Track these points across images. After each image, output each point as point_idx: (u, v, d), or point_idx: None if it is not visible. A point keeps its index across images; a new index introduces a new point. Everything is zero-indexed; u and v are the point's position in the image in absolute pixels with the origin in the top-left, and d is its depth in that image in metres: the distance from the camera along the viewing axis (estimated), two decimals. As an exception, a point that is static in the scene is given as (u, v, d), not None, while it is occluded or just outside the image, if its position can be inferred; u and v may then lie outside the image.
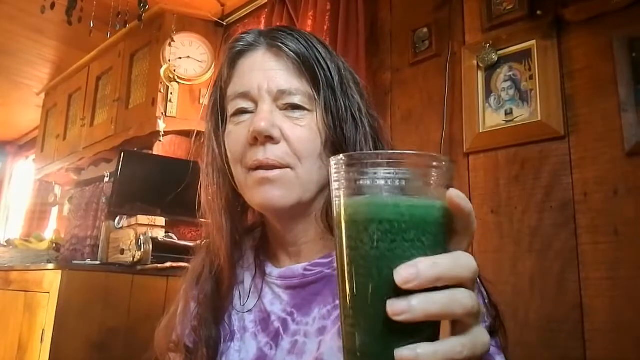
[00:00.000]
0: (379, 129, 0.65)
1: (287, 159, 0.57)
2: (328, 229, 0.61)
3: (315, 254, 0.63)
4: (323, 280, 0.61)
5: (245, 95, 0.60)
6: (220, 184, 0.64)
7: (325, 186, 0.61)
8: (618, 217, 1.17)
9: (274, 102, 0.59)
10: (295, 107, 0.59)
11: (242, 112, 0.60)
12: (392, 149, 0.65)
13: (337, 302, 0.59)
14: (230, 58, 0.63)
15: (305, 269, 0.62)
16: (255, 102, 0.60)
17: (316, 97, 0.60)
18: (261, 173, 0.57)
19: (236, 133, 0.60)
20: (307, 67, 0.60)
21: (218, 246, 0.64)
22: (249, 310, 0.65)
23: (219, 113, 0.64)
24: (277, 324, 0.62)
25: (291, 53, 0.60)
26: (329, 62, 0.61)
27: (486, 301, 0.56)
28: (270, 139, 0.57)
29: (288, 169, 0.57)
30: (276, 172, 0.57)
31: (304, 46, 0.60)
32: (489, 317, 0.56)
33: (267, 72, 0.60)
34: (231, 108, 0.61)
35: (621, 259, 1.15)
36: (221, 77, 0.64)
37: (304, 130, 0.58)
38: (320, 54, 0.61)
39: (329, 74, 0.60)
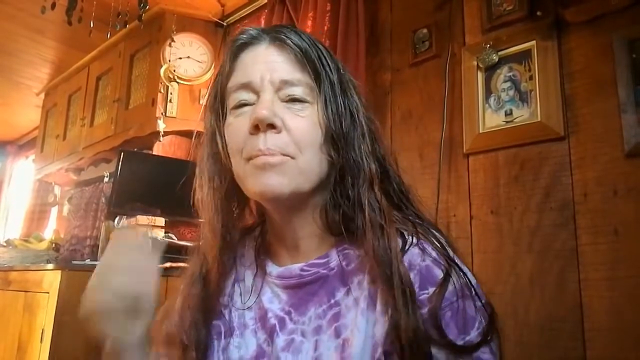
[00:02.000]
0: (377, 130, 0.66)
1: (288, 149, 0.58)
2: (324, 227, 0.62)
3: (312, 252, 0.63)
4: (319, 281, 0.62)
5: (246, 86, 0.60)
6: (220, 179, 0.64)
7: (324, 181, 0.61)
8: (618, 217, 1.17)
9: (276, 92, 0.60)
10: (296, 99, 0.60)
11: (243, 104, 0.61)
12: (389, 151, 0.66)
13: (332, 301, 0.60)
14: (232, 51, 0.64)
15: (302, 269, 0.62)
16: (257, 94, 0.60)
17: (317, 90, 0.61)
18: (263, 158, 0.57)
19: (237, 124, 0.60)
20: (308, 61, 0.61)
21: (209, 246, 0.64)
22: (249, 308, 0.66)
23: (219, 107, 0.64)
24: (273, 321, 0.63)
25: (294, 46, 0.60)
26: (329, 60, 0.62)
27: (477, 304, 0.55)
28: (271, 127, 0.57)
29: (288, 157, 0.58)
30: (277, 157, 0.57)
31: (306, 42, 0.61)
32: (483, 320, 0.55)
33: (269, 64, 0.60)
34: (232, 100, 0.62)
35: (621, 259, 1.15)
36: (222, 71, 0.65)
37: (304, 121, 0.59)
38: (321, 51, 0.62)
39: (329, 70, 0.62)
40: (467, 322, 0.54)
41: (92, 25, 1.81)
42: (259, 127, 0.57)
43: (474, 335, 0.54)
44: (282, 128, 0.58)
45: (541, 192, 1.31)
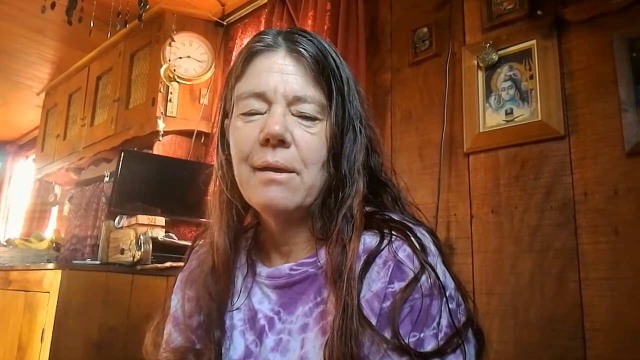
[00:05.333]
0: (375, 140, 0.67)
1: (294, 164, 0.58)
2: (313, 233, 0.62)
3: (303, 253, 0.64)
4: (308, 280, 0.62)
5: (259, 96, 0.60)
6: (230, 179, 0.65)
7: (322, 192, 0.62)
8: (618, 217, 1.17)
9: (288, 106, 0.60)
10: (307, 116, 0.60)
11: (253, 113, 0.61)
12: (383, 159, 0.67)
13: (319, 299, 0.60)
14: (247, 56, 0.63)
15: (291, 269, 0.63)
16: (269, 103, 0.60)
17: (328, 106, 0.61)
18: (269, 174, 0.58)
19: (246, 131, 0.61)
20: (323, 76, 0.61)
21: (218, 244, 0.65)
22: (238, 309, 0.66)
23: (231, 109, 0.65)
24: (262, 322, 0.63)
25: (311, 59, 0.60)
26: (341, 72, 0.63)
27: (446, 307, 0.55)
28: (281, 142, 0.58)
29: (294, 174, 0.59)
30: (283, 175, 0.58)
31: (322, 54, 0.61)
32: (447, 327, 0.54)
33: (285, 76, 0.60)
34: (242, 106, 0.61)
35: (621, 259, 1.15)
36: (232, 73, 0.65)
37: (313, 138, 0.60)
38: (335, 63, 0.62)
39: (341, 84, 0.62)
40: (424, 320, 0.54)
41: (92, 24, 1.81)
42: (269, 140, 0.58)
43: (427, 335, 0.53)
44: (291, 143, 0.59)
45: (541, 191, 1.30)
